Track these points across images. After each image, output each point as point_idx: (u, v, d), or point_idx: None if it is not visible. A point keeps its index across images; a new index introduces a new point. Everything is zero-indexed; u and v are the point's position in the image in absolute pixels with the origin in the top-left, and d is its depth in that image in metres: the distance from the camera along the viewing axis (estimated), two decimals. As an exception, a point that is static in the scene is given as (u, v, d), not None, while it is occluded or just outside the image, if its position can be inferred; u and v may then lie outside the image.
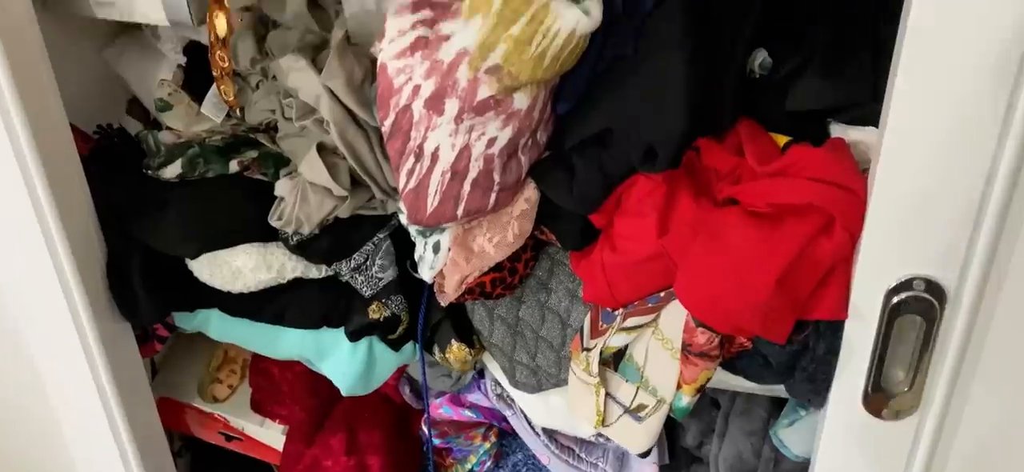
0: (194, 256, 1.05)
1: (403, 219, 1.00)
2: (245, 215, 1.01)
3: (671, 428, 1.25)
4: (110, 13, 0.94)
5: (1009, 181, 0.69)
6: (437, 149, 0.88)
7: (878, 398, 0.84)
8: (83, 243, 1.01)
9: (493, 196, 0.91)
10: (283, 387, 1.34)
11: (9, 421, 1.25)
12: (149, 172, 1.03)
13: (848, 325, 0.83)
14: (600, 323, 0.99)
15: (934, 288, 0.76)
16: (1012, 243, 0.73)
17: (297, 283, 1.09)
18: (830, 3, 0.90)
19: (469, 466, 1.36)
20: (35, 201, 0.95)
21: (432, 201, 0.91)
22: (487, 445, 1.35)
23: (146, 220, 1.01)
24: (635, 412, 0.99)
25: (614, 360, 0.98)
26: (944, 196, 0.72)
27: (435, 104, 0.86)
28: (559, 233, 0.98)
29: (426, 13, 0.86)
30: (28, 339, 1.10)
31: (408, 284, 1.09)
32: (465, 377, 1.24)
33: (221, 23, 0.87)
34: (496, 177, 0.90)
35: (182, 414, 1.40)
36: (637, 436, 1.00)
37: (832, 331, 0.86)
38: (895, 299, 0.77)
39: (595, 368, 0.96)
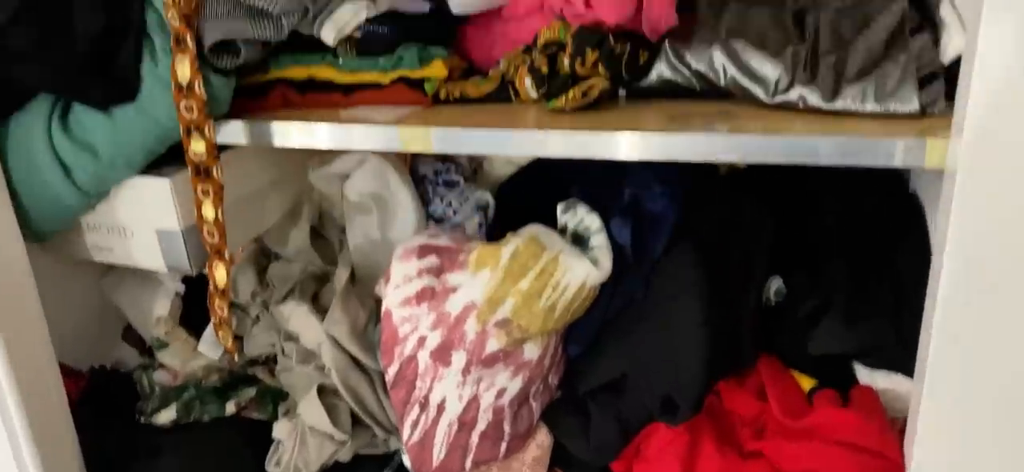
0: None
1: (407, 462, 0.95)
2: (242, 462, 0.96)
3: None
4: (108, 257, 0.92)
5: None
6: (443, 400, 0.84)
7: None
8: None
9: (503, 445, 0.86)
10: None
11: None
12: (142, 419, 0.99)
13: None
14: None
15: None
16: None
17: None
18: (845, 230, 0.89)
19: None
20: (18, 456, 0.90)
21: (438, 453, 0.86)
22: None
23: (138, 469, 0.96)
24: None
25: None
26: None
27: (442, 355, 0.82)
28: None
29: (432, 260, 0.84)
30: None
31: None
32: None
33: (220, 273, 0.85)
34: (506, 427, 0.85)
35: None
36: None
37: None
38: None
39: None
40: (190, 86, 0.77)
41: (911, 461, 0.69)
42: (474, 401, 0.83)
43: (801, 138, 0.70)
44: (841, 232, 0.88)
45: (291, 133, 0.82)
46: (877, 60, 0.76)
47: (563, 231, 0.85)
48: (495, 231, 1.01)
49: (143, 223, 0.87)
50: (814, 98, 0.76)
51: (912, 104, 0.73)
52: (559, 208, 0.86)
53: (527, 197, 1.01)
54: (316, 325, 0.90)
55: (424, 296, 0.82)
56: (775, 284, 0.90)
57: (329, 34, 0.85)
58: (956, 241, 0.64)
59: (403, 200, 0.98)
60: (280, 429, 0.96)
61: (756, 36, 0.81)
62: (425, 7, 0.91)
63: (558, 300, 0.78)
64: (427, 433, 0.85)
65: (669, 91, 0.85)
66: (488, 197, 1.01)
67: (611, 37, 0.79)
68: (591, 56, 0.79)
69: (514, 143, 0.77)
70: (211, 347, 1.01)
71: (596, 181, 0.92)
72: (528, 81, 0.84)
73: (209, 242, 0.83)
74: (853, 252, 0.85)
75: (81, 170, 0.81)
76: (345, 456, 0.95)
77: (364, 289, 0.94)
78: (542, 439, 0.89)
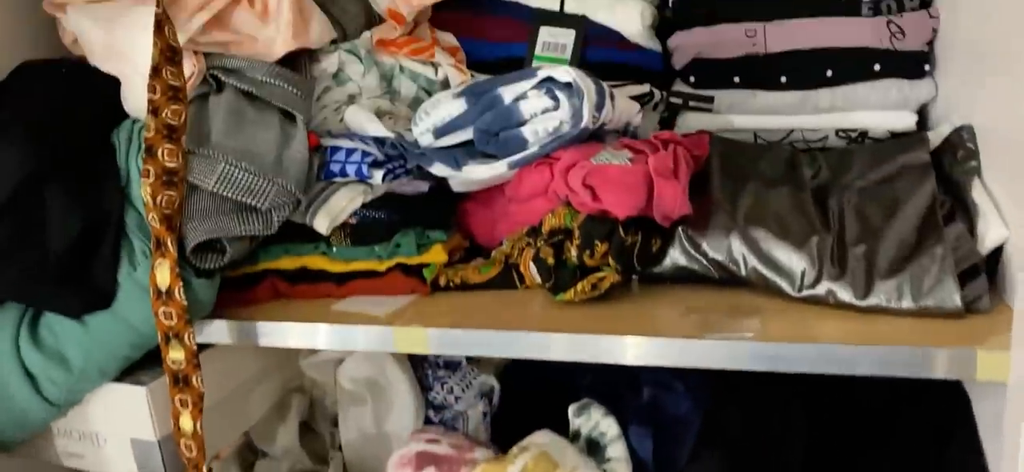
0: None
1: None
2: None
3: None
4: (79, 464, 0.84)
5: None
6: None
7: None
8: None
9: None
10: None
11: None
12: None
13: None
14: None
15: None
16: None
17: None
18: (884, 424, 0.81)
19: None
20: None
21: None
22: None
23: None
24: None
25: None
26: None
27: None
28: None
29: None
30: None
31: None
32: None
33: (200, 486, 0.77)
34: None
35: None
36: None
37: None
38: None
39: None
40: (169, 292, 0.71)
41: None
42: None
43: (835, 347, 0.64)
44: (880, 427, 0.81)
45: (276, 334, 0.76)
46: (911, 252, 0.70)
47: (576, 436, 0.77)
48: (500, 420, 0.93)
49: (117, 431, 0.80)
50: (845, 294, 0.70)
51: (953, 302, 0.67)
52: (571, 411, 0.79)
53: (535, 381, 0.94)
54: (303, 539, 0.81)
55: (422, 512, 0.74)
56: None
57: (323, 223, 0.80)
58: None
59: (401, 389, 0.91)
60: None
61: (776, 221, 0.75)
62: (424, 187, 0.87)
63: (572, 519, 0.71)
64: None
65: (685, 276, 0.79)
66: (492, 382, 0.94)
67: (621, 228, 0.74)
68: (600, 248, 0.74)
69: (516, 347, 0.71)
70: (190, 557, 0.92)
71: (611, 368, 0.85)
72: (533, 268, 0.79)
73: (186, 456, 0.76)
74: (895, 453, 0.77)
75: (50, 383, 0.75)
76: None
77: (357, 493, 0.87)
78: None
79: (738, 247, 0.74)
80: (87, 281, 0.72)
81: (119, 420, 0.79)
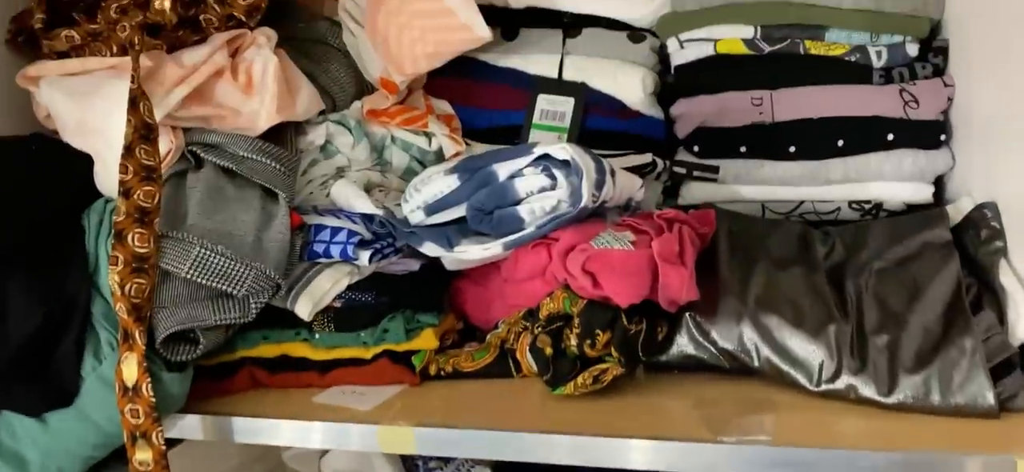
0: None
1: None
2: None
3: None
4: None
5: None
6: None
7: None
8: None
9: None
10: None
11: None
12: None
13: None
14: None
15: None
16: None
17: None
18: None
19: None
20: None
21: None
22: None
23: None
24: None
25: None
26: None
27: None
28: None
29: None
30: None
31: None
32: None
33: None
34: None
35: None
36: None
37: None
38: None
39: None
40: (136, 388, 0.66)
41: None
42: None
43: (859, 454, 0.58)
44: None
45: (252, 431, 0.71)
46: (937, 343, 0.65)
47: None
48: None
49: (79, 536, 0.74)
50: (868, 390, 0.64)
51: (986, 400, 0.62)
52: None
53: (533, 469, 0.88)
54: None
55: None
56: None
57: (304, 308, 0.75)
58: None
59: (389, 481, 0.85)
60: None
61: (790, 306, 0.70)
62: (414, 265, 0.82)
63: None
64: None
65: (693, 366, 0.74)
66: None
67: (624, 316, 0.69)
68: (602, 338, 0.69)
69: (511, 449, 0.65)
70: None
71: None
72: (530, 358, 0.74)
73: (153, 566, 0.70)
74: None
75: (6, 486, 0.69)
76: None
77: None
78: None
79: (750, 335, 0.69)
80: (48, 377, 0.67)
81: (83, 523, 0.73)
